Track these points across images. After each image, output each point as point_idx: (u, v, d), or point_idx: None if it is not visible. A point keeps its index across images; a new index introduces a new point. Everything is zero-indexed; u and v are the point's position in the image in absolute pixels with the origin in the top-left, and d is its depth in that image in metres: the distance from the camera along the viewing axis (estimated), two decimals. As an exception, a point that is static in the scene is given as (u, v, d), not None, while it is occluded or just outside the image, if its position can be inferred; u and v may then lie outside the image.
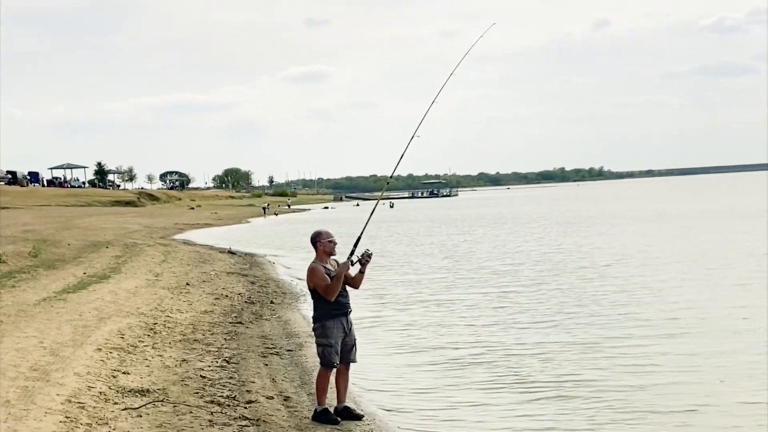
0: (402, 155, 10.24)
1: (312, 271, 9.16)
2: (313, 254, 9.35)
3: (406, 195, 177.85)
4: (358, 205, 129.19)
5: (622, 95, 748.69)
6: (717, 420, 9.39)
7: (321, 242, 9.25)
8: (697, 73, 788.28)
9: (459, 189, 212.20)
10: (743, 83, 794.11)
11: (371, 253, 9.22)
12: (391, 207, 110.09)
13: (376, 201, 10.70)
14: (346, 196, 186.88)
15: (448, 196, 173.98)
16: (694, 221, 45.75)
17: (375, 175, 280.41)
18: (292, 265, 29.08)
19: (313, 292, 9.20)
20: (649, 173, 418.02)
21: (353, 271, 9.23)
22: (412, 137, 10.19)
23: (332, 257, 9.32)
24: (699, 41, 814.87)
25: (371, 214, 9.97)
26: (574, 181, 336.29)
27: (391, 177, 11.06)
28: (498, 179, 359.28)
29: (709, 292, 18.73)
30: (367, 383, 11.61)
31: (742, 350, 12.68)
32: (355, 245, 9.23)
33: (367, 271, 9.30)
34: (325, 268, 9.13)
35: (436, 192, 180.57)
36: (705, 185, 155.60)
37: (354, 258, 9.15)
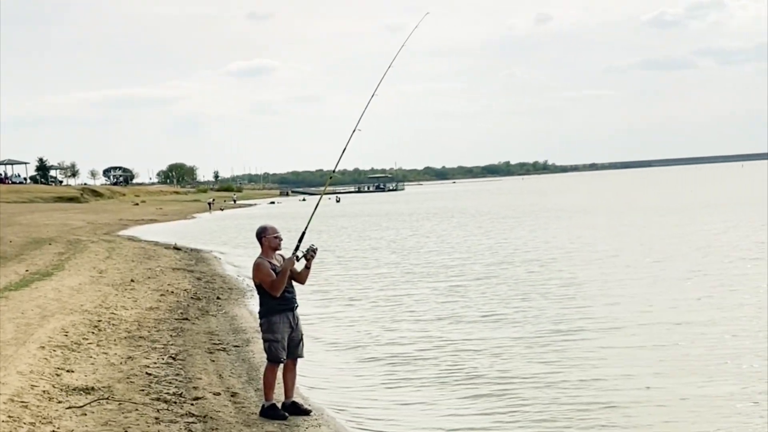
0: (344, 149, 10.24)
1: (257, 267, 9.12)
2: (258, 250, 9.31)
3: (353, 189, 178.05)
4: (304, 200, 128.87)
5: (565, 89, 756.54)
6: (660, 413, 9.48)
7: (266, 238, 9.21)
8: (639, 67, 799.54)
9: (405, 183, 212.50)
10: (683, 77, 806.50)
11: (316, 248, 9.22)
12: (338, 201, 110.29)
13: (319, 196, 10.70)
14: (292, 191, 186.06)
15: (395, 190, 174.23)
16: (638, 214, 46.29)
17: (321, 170, 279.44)
18: (238, 261, 28.90)
19: (259, 287, 9.16)
20: (593, 167, 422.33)
21: (299, 266, 9.21)
22: (354, 131, 10.20)
23: (278, 252, 9.28)
24: (640, 36, 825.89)
25: (315, 208, 9.93)
26: (519, 174, 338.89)
27: (334, 171, 11.02)
28: (444, 173, 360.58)
29: (652, 285, 18.96)
30: (315, 379, 11.56)
31: (685, 343, 12.85)
32: (300, 240, 9.20)
33: (313, 266, 9.28)
34: (270, 263, 9.09)
35: (382, 186, 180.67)
36: (647, 178, 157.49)
37: (299, 253, 9.14)
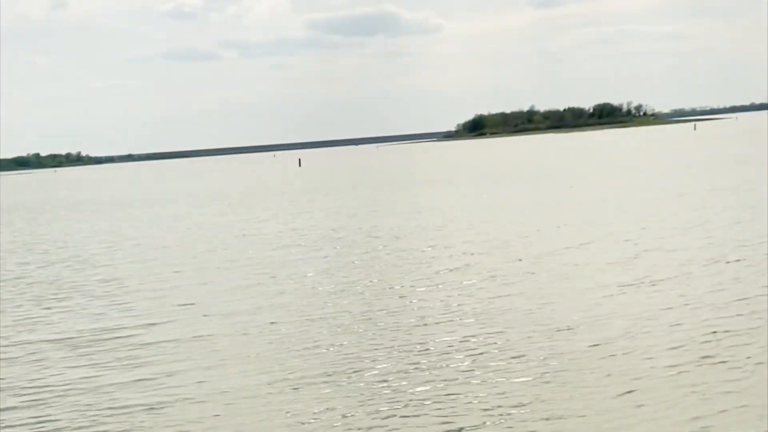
0: None
1: None
2: None
3: None
4: None
5: (89, 78, 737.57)
6: (203, 408, 9.37)
7: None
8: (163, 58, 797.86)
9: None
10: (210, 68, 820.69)
11: None
12: None
13: None
14: None
15: None
16: (177, 205, 46.37)
17: None
18: None
19: None
20: (130, 157, 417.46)
21: None
22: None
23: None
24: (161, 26, 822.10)
25: None
26: (52, 167, 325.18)
27: None
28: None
29: (197, 276, 18.93)
30: None
31: (234, 333, 12.88)
32: None
33: None
34: None
35: None
36: (186, 168, 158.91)
37: None
